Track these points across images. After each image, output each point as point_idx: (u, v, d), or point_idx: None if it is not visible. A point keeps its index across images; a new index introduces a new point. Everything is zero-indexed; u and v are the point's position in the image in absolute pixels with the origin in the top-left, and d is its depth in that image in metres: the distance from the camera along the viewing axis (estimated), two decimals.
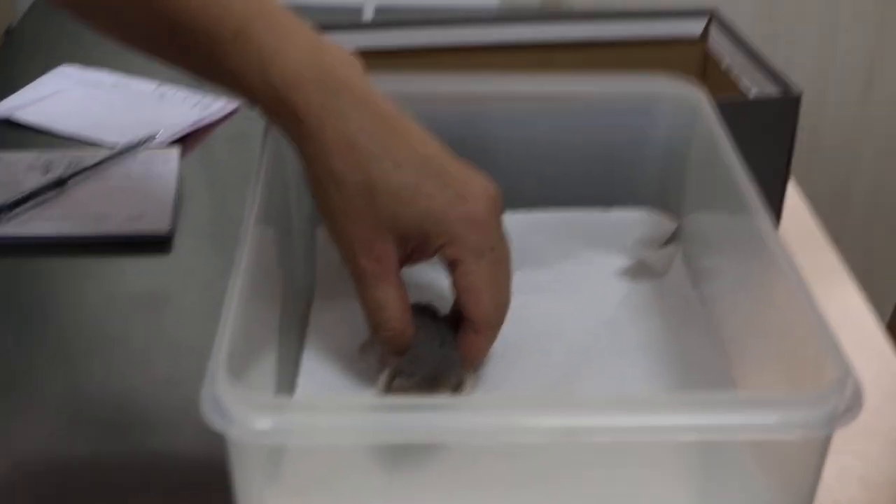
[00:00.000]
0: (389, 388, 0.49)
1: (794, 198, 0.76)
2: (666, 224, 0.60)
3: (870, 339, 0.64)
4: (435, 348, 0.50)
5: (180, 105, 0.87)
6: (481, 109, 0.58)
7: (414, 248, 0.50)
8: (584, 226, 0.61)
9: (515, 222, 0.57)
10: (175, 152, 0.79)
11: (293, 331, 0.54)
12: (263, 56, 0.48)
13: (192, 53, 0.49)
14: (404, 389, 0.48)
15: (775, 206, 0.65)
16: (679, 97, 0.58)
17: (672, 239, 0.60)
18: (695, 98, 0.57)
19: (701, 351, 0.53)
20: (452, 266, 0.50)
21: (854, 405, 0.38)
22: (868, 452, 0.55)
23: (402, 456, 0.43)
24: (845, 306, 0.67)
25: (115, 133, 0.82)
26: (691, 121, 0.57)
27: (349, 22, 0.69)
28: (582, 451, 0.41)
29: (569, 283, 0.60)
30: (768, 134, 0.64)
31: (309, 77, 0.48)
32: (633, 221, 0.61)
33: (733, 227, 0.52)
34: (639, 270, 0.60)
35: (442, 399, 0.46)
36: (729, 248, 0.54)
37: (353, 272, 0.50)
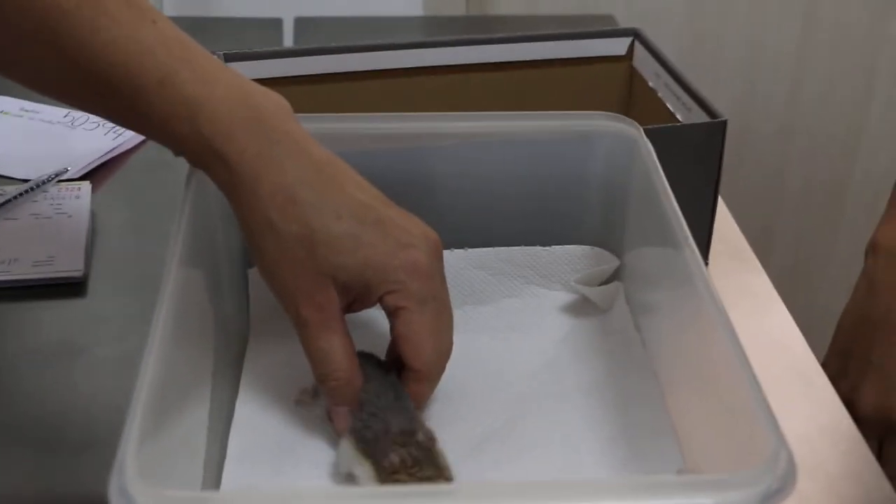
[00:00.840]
0: (381, 467, 0.49)
1: (723, 215, 0.79)
2: (608, 259, 0.62)
3: (800, 363, 0.66)
4: (391, 401, 0.51)
5: (92, 133, 0.85)
6: (417, 149, 0.59)
7: (356, 296, 0.51)
8: (526, 262, 0.62)
9: (455, 259, 0.60)
10: (87, 186, 0.78)
11: (227, 379, 0.54)
12: (191, 105, 0.48)
13: (114, 103, 0.49)
14: (401, 466, 0.48)
15: (705, 228, 0.68)
16: (617, 133, 0.59)
17: (614, 276, 0.62)
18: (632, 134, 0.59)
19: (642, 397, 0.54)
20: (394, 314, 0.51)
21: (787, 484, 0.39)
22: (805, 490, 0.56)
23: None
24: (772, 327, 0.69)
25: (21, 167, 0.81)
26: (630, 157, 0.59)
27: (270, 50, 0.69)
28: None
29: (510, 320, 0.61)
30: (697, 157, 0.66)
31: (241, 125, 0.48)
32: (576, 257, 0.63)
33: (668, 265, 0.53)
34: (581, 307, 0.62)
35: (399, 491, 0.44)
36: (665, 288, 0.55)
37: (296, 322, 0.50)
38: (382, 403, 0.50)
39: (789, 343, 0.68)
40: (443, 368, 0.52)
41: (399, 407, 0.51)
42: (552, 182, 0.61)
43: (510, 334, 0.60)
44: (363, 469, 0.49)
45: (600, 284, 0.62)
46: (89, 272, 0.70)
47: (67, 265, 0.70)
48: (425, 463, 0.48)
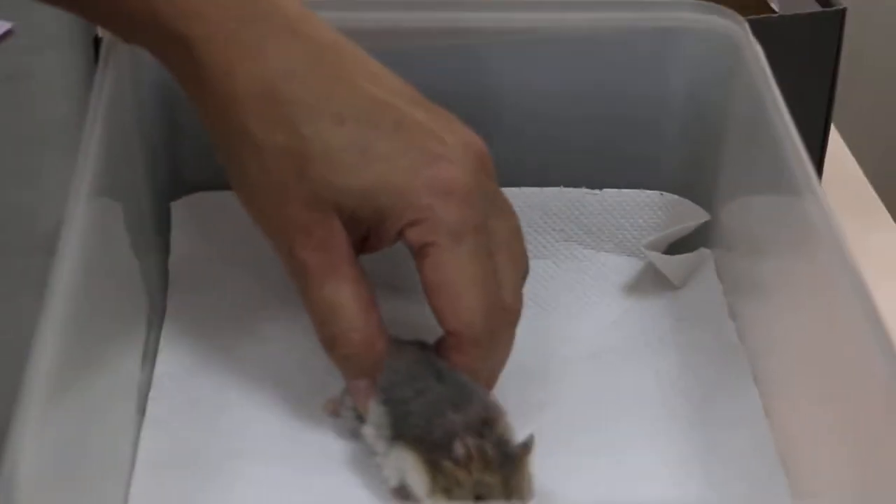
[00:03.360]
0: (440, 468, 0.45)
1: (836, 147, 0.76)
2: (691, 213, 0.58)
3: None
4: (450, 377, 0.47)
5: None
6: (423, 49, 0.56)
7: (369, 229, 0.48)
8: (565, 210, 0.58)
9: None
10: None
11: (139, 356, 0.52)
12: None
13: None
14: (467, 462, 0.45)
15: (815, 152, 0.65)
16: (710, 30, 0.56)
17: (700, 239, 0.58)
18: (733, 32, 0.56)
19: (733, 410, 0.51)
20: (421, 253, 0.48)
21: None
22: None
23: None
24: None
25: None
26: (728, 65, 0.55)
27: None
28: None
29: (537, 292, 0.57)
30: (802, 62, 0.63)
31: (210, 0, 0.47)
32: (640, 207, 0.58)
33: (783, 224, 0.51)
34: (646, 279, 0.58)
35: None
36: (777, 257, 0.52)
37: (291, 269, 0.48)
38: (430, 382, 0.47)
39: None
40: (497, 330, 0.49)
41: (459, 384, 0.47)
42: (612, 99, 0.58)
43: (538, 311, 0.56)
44: (419, 475, 0.46)
45: (678, 252, 0.58)
46: None
47: None
48: (506, 467, 0.45)
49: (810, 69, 0.63)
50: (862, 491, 0.42)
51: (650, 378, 0.53)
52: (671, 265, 0.57)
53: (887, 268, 0.67)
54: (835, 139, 0.75)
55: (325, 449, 0.49)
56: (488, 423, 0.46)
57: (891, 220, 0.72)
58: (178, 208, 0.57)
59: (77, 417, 0.43)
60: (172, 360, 0.53)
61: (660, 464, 0.49)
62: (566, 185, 0.58)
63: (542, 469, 0.48)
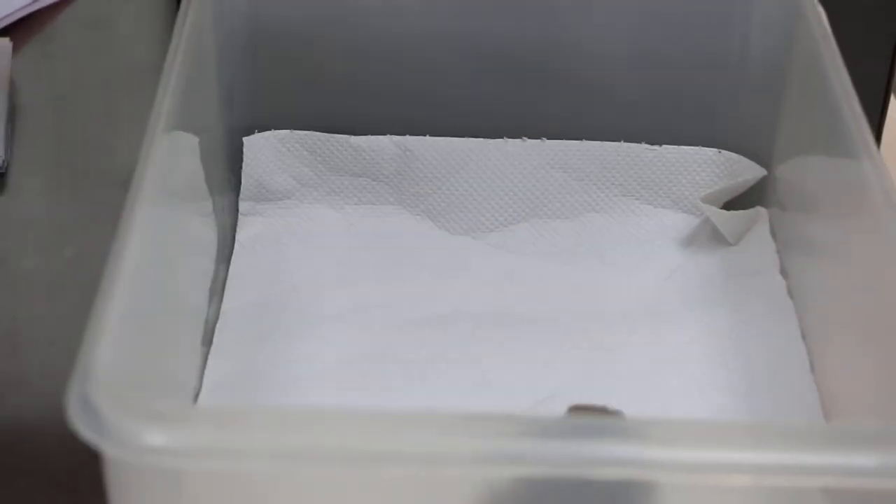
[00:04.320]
0: None
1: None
2: (748, 168, 0.57)
3: None
4: None
5: None
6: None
7: None
8: (625, 164, 0.58)
9: (525, 152, 0.57)
10: (6, 45, 0.73)
11: (209, 283, 0.53)
12: None
13: None
14: None
15: (875, 116, 0.64)
16: None
17: (756, 197, 0.57)
18: None
19: (782, 364, 0.51)
20: None
21: None
22: None
23: None
24: None
25: None
26: (788, 26, 0.54)
27: None
28: None
29: (596, 244, 0.57)
30: (863, 28, 0.61)
31: None
32: (698, 163, 0.57)
33: (839, 184, 0.50)
34: (702, 235, 0.57)
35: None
36: (832, 217, 0.52)
37: None
38: None
39: None
40: None
41: None
42: (673, 55, 0.56)
43: (594, 263, 0.56)
44: None
45: (735, 208, 0.57)
46: (10, 160, 0.66)
47: None
48: None
49: (872, 33, 0.61)
50: None
51: (700, 331, 0.52)
52: (727, 221, 0.56)
53: None
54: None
55: (390, 382, 0.49)
56: None
57: None
58: (251, 145, 0.56)
59: (146, 345, 0.43)
60: (239, 296, 0.53)
61: (704, 411, 0.48)
62: (626, 141, 0.57)
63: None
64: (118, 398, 0.36)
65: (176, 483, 0.39)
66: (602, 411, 0.44)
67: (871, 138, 0.47)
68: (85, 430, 0.35)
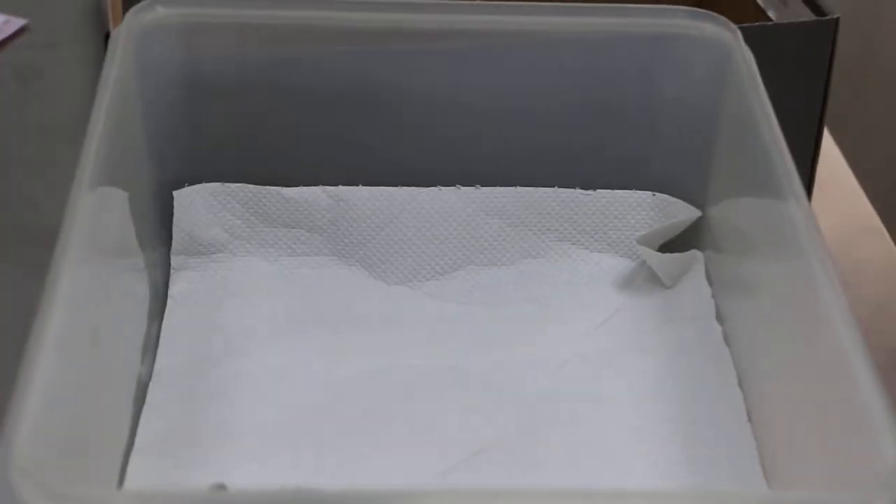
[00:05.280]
0: None
1: (830, 157, 0.76)
2: (683, 211, 0.57)
3: None
4: None
5: None
6: (412, 51, 0.55)
7: None
8: (560, 210, 0.58)
9: (460, 200, 0.57)
10: None
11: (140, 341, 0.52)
12: None
13: None
14: None
15: (804, 175, 0.63)
16: (702, 37, 0.55)
17: (692, 241, 0.57)
18: (725, 39, 0.55)
19: (718, 412, 0.51)
20: None
21: None
22: None
23: None
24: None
25: None
26: (719, 71, 0.55)
27: None
28: None
29: (532, 290, 0.57)
30: (796, 70, 0.62)
31: None
32: (632, 207, 0.58)
33: (768, 227, 0.50)
34: (637, 279, 0.57)
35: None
36: (763, 261, 0.52)
37: None
38: None
39: None
40: None
41: None
42: (605, 102, 0.56)
43: (532, 310, 0.56)
44: None
45: (670, 251, 0.57)
46: None
47: None
48: None
49: (804, 77, 0.62)
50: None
51: (636, 379, 0.52)
52: (663, 263, 0.56)
53: (877, 274, 0.67)
54: (830, 147, 0.74)
55: (318, 434, 0.49)
56: None
57: (883, 227, 0.72)
58: (182, 198, 0.56)
59: (76, 406, 0.42)
60: (172, 353, 0.52)
61: (644, 462, 0.49)
62: (560, 186, 0.57)
63: (527, 463, 0.48)
64: (41, 485, 0.35)
65: None
66: None
67: (797, 180, 0.48)
68: None
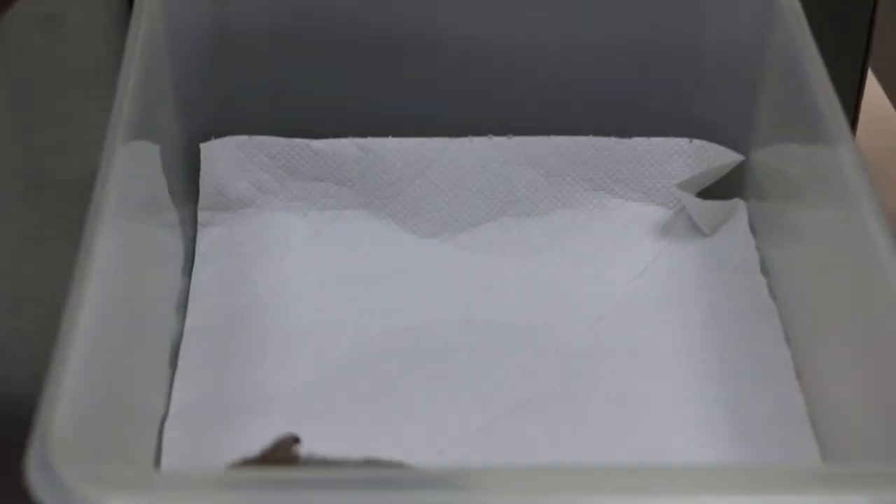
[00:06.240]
0: None
1: (874, 97, 0.74)
2: (723, 156, 0.56)
3: None
4: None
5: None
6: None
7: None
8: (595, 158, 0.57)
9: (492, 149, 0.57)
10: None
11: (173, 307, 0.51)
12: None
13: None
14: None
15: (851, 101, 0.63)
16: None
17: (734, 189, 0.57)
18: None
19: (763, 368, 0.50)
20: None
21: None
22: None
23: None
24: None
25: None
26: (765, 13, 0.54)
27: None
28: None
29: (567, 242, 0.56)
30: (842, 6, 0.61)
31: None
32: (671, 154, 0.57)
33: (815, 173, 0.50)
34: (676, 228, 0.57)
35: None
36: (810, 208, 0.51)
37: None
38: None
39: None
40: None
41: None
42: (649, 41, 0.56)
43: (567, 261, 0.56)
44: None
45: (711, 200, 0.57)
46: None
47: None
48: None
49: (848, 16, 0.61)
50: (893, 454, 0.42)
51: (677, 332, 0.52)
52: (702, 210, 0.56)
53: None
54: (872, 86, 0.73)
55: (354, 392, 0.49)
56: None
57: None
58: (209, 152, 0.55)
59: (111, 369, 0.43)
60: (202, 312, 0.52)
61: (685, 420, 0.48)
62: (595, 134, 0.57)
63: (567, 419, 0.48)
64: (81, 464, 0.35)
65: None
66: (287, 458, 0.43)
67: (845, 124, 0.47)
68: (48, 500, 0.34)
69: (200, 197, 0.56)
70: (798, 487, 0.36)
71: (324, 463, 0.43)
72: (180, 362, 0.50)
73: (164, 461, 0.46)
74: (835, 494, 0.35)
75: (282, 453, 0.43)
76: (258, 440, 0.43)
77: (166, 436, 0.47)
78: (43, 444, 0.35)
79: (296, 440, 0.44)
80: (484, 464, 0.45)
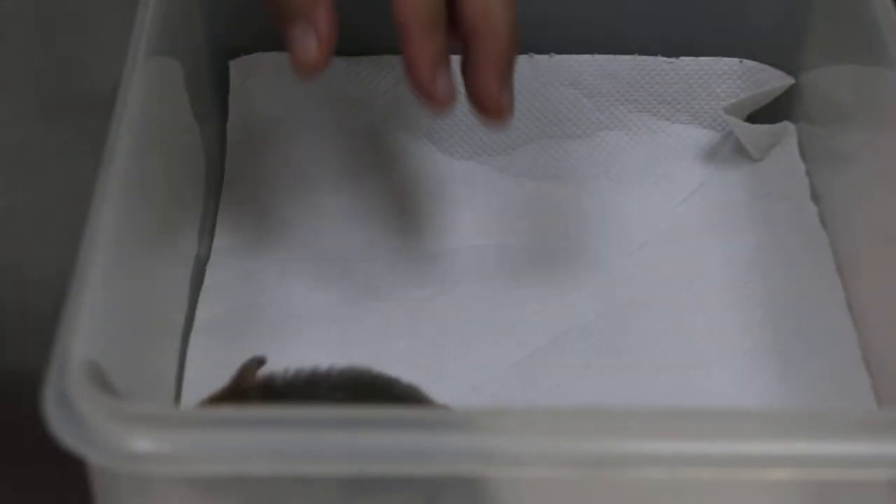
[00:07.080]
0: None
1: None
2: (774, 78, 0.56)
3: None
4: None
5: None
6: None
7: None
8: (640, 79, 0.57)
9: (534, 69, 0.56)
10: None
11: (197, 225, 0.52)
12: None
13: None
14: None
15: None
16: None
17: (784, 113, 0.56)
18: None
19: (812, 301, 0.50)
20: None
21: None
22: None
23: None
24: None
25: None
26: None
27: None
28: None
29: (611, 165, 0.56)
30: None
31: None
32: (719, 75, 0.56)
33: (870, 96, 0.49)
34: (724, 152, 0.56)
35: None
36: (864, 132, 0.50)
37: None
38: None
39: None
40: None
41: None
42: None
43: (609, 186, 0.55)
44: None
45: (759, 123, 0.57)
46: None
47: None
48: None
49: None
50: None
51: (723, 261, 0.52)
52: (751, 134, 0.55)
53: None
54: None
55: (386, 317, 0.48)
56: None
57: None
58: (238, 69, 0.55)
59: (134, 285, 0.43)
60: (231, 230, 0.52)
61: (730, 355, 0.48)
62: (640, 54, 0.56)
63: (607, 353, 0.48)
64: (101, 399, 0.35)
65: (167, 488, 0.38)
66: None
67: None
68: (67, 436, 0.34)
69: (230, 116, 0.56)
70: (849, 434, 0.34)
71: (300, 376, 0.43)
72: (206, 279, 0.50)
73: (187, 376, 0.46)
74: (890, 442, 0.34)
75: (246, 378, 0.43)
76: (284, 362, 0.43)
77: (190, 348, 0.47)
78: (61, 375, 0.35)
79: (260, 362, 0.44)
80: (516, 402, 0.45)
